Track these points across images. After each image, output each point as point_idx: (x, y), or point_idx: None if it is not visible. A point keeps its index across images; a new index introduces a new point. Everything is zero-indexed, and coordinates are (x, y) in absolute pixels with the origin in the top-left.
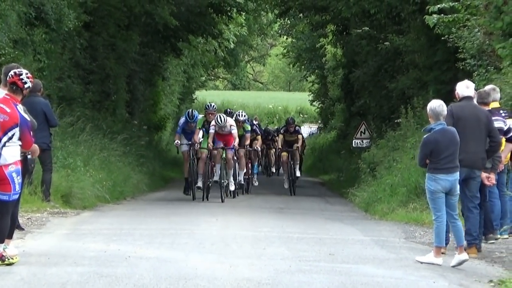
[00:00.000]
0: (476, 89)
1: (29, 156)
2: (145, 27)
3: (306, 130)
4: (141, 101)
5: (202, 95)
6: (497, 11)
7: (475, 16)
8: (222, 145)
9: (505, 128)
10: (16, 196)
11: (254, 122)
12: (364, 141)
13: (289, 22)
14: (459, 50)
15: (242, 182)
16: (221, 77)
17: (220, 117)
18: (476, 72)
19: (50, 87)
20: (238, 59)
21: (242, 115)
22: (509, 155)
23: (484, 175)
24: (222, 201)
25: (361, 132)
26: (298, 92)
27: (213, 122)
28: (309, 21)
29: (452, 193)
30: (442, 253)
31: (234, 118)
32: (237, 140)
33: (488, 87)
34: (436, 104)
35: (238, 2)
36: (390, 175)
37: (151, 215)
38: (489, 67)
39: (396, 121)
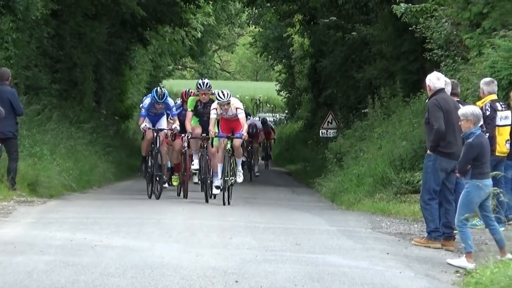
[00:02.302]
0: None
1: None
2: (112, 16)
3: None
4: (108, 90)
5: (169, 84)
6: (464, 2)
7: (442, 6)
8: (226, 140)
9: None
10: None
11: None
12: (331, 131)
13: (257, 11)
14: (427, 41)
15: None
16: (188, 66)
17: (222, 92)
18: (443, 63)
19: (17, 75)
20: (205, 48)
21: (225, 92)
22: None
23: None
24: (228, 203)
25: (328, 122)
26: (265, 81)
27: (214, 105)
28: (276, 11)
29: (488, 198)
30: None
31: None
32: (245, 127)
33: (487, 79)
34: (476, 109)
35: None
36: (357, 165)
37: (117, 204)
38: (456, 58)
39: (363, 111)
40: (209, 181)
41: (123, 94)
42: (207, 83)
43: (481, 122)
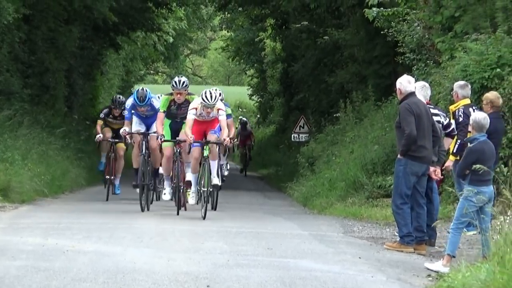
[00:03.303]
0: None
1: None
2: (84, 21)
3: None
4: (80, 95)
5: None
6: (436, 5)
7: (414, 10)
8: (200, 149)
9: (445, 122)
10: None
11: None
12: (303, 135)
13: (229, 15)
14: (399, 44)
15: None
16: (160, 71)
17: (210, 93)
18: (415, 66)
19: None
20: (177, 52)
21: (216, 92)
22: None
23: (431, 169)
24: (204, 217)
25: (300, 126)
26: (237, 86)
27: (194, 104)
28: (248, 15)
29: (488, 204)
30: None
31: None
32: (226, 131)
33: (417, 85)
34: (481, 116)
35: None
36: (329, 170)
37: (89, 209)
38: (428, 61)
39: (335, 115)
40: (182, 190)
41: (95, 99)
42: (183, 82)
43: (485, 129)
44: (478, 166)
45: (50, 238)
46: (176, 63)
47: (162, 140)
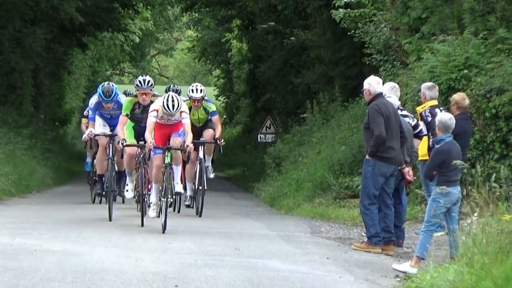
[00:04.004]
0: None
1: None
2: (51, 22)
3: None
4: (47, 95)
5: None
6: (403, 6)
7: (381, 11)
8: (163, 156)
9: (413, 124)
10: None
11: None
12: (269, 136)
13: (196, 15)
14: (366, 45)
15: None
16: (126, 71)
17: (172, 99)
18: (382, 68)
19: None
20: (144, 53)
21: (198, 89)
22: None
23: (406, 169)
24: (164, 231)
25: (266, 127)
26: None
27: (155, 106)
28: (214, 15)
29: (456, 205)
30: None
31: (186, 95)
32: (190, 135)
33: (387, 86)
34: (447, 117)
35: None
36: (296, 170)
37: (57, 208)
38: (395, 62)
39: (301, 116)
40: (146, 199)
41: (61, 99)
42: (148, 81)
43: (451, 130)
44: (459, 162)
45: (17, 237)
46: (143, 63)
47: (124, 144)
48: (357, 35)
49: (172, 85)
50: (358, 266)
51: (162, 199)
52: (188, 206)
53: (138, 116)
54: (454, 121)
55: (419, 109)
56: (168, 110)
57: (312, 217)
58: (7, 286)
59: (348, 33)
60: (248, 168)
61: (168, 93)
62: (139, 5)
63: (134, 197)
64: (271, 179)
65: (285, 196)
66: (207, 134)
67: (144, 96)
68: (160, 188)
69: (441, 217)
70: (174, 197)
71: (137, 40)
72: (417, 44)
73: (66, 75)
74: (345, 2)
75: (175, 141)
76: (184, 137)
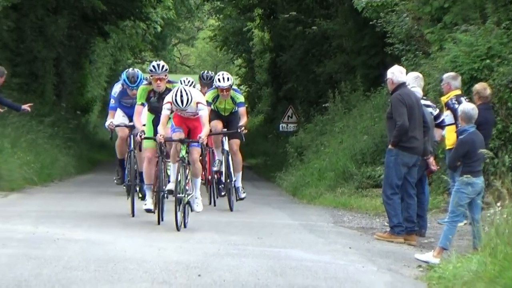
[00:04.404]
0: None
1: None
2: (73, 10)
3: None
4: (69, 84)
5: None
6: None
7: (403, 0)
8: (183, 135)
9: (435, 113)
10: None
11: None
12: (291, 125)
13: (218, 4)
14: (387, 35)
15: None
16: (147, 60)
17: (181, 93)
18: (404, 57)
19: None
20: (165, 42)
21: (225, 78)
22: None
23: (431, 160)
24: (178, 229)
25: (288, 116)
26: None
27: (169, 98)
28: (236, 5)
29: (479, 195)
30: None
31: (212, 85)
32: (206, 127)
33: (411, 75)
34: (470, 107)
35: None
36: (318, 160)
37: (79, 197)
38: (417, 52)
39: (323, 105)
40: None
41: (83, 87)
42: (163, 66)
43: (474, 120)
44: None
45: (40, 226)
46: (164, 52)
47: (142, 136)
48: (379, 24)
49: (205, 72)
50: (380, 256)
51: (179, 195)
52: (216, 172)
53: (155, 105)
54: (477, 111)
55: (443, 99)
56: (178, 106)
57: (335, 206)
58: (31, 274)
59: (370, 23)
60: (270, 157)
61: (178, 86)
62: None
63: (153, 211)
64: (293, 168)
65: (307, 186)
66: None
67: (158, 81)
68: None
69: (465, 208)
70: (190, 210)
71: (159, 29)
72: (439, 34)
73: (88, 64)
74: None
75: (193, 151)
76: (198, 147)
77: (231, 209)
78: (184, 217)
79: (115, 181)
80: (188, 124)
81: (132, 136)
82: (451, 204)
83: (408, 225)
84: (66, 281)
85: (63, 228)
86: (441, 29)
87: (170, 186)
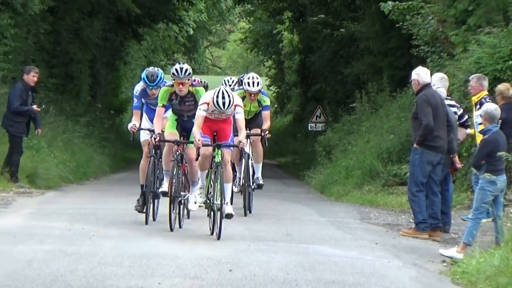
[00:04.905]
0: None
1: None
2: (107, 13)
3: None
4: (103, 84)
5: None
6: None
7: (429, 3)
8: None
9: (459, 113)
10: None
11: None
12: (320, 125)
13: (248, 7)
14: (413, 37)
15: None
16: (180, 62)
17: (223, 95)
18: (429, 59)
19: (15, 70)
20: (197, 44)
21: (255, 83)
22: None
23: (456, 158)
24: (219, 237)
25: (316, 116)
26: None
27: (206, 98)
28: (266, 8)
29: (502, 192)
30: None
31: (240, 87)
32: (243, 131)
33: (436, 76)
34: (493, 108)
35: None
36: (345, 158)
37: (113, 195)
38: (442, 54)
39: (351, 105)
40: (184, 201)
41: (117, 88)
42: (186, 69)
43: (497, 120)
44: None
45: (76, 223)
46: (196, 55)
47: (157, 140)
48: (405, 27)
49: (229, 78)
50: (406, 251)
51: (215, 202)
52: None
53: (176, 107)
54: (499, 111)
55: (474, 99)
56: (219, 108)
57: (361, 203)
58: (67, 270)
59: (396, 25)
60: (298, 156)
61: (219, 87)
62: None
63: (166, 193)
64: (321, 166)
65: (335, 183)
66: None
67: (181, 86)
68: (210, 190)
69: (488, 205)
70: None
71: (191, 31)
72: (463, 36)
73: (122, 65)
74: None
75: (224, 153)
76: (232, 149)
77: (245, 214)
78: (220, 225)
79: (136, 208)
80: (214, 128)
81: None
82: (475, 201)
83: (432, 221)
84: (101, 276)
85: (98, 225)
86: (465, 31)
87: (201, 197)
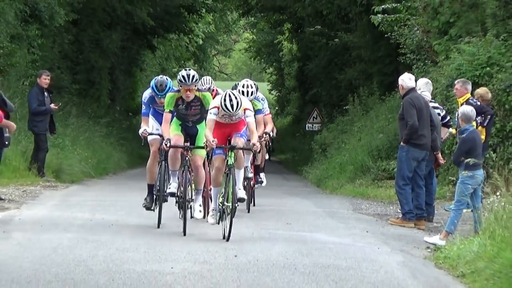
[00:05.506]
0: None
1: (6, 134)
2: (125, 25)
3: None
4: (122, 89)
5: (174, 85)
6: (434, 12)
7: (414, 16)
8: (223, 156)
9: (442, 114)
10: None
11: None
12: (316, 125)
13: (252, 19)
14: (400, 46)
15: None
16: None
17: (230, 98)
18: (415, 65)
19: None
20: (206, 53)
21: (249, 92)
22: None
23: (439, 155)
24: (227, 239)
25: (313, 117)
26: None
27: (215, 102)
28: (268, 20)
29: (480, 185)
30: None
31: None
32: (255, 134)
33: (422, 81)
34: (469, 109)
35: (207, 3)
36: (339, 155)
37: (130, 188)
38: (426, 61)
39: (344, 108)
40: (189, 206)
41: (134, 93)
42: (193, 76)
43: (473, 120)
44: (471, 160)
45: (97, 213)
46: (205, 63)
47: (168, 146)
48: (393, 37)
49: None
50: (394, 238)
51: (226, 203)
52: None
53: (182, 113)
54: (475, 113)
55: (460, 100)
56: (228, 111)
57: (354, 196)
58: (89, 255)
59: (385, 35)
60: (297, 153)
61: (226, 91)
62: (202, 10)
63: (177, 194)
64: (317, 162)
65: (330, 178)
66: (237, 141)
67: (188, 92)
68: (222, 191)
69: (469, 197)
70: (237, 203)
71: (200, 42)
72: (445, 45)
73: (138, 72)
74: (383, 8)
75: (237, 141)
76: (245, 138)
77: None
78: (230, 228)
79: (144, 205)
80: (227, 133)
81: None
82: (457, 194)
83: (417, 211)
84: (119, 261)
85: (117, 215)
86: (447, 41)
87: (212, 218)
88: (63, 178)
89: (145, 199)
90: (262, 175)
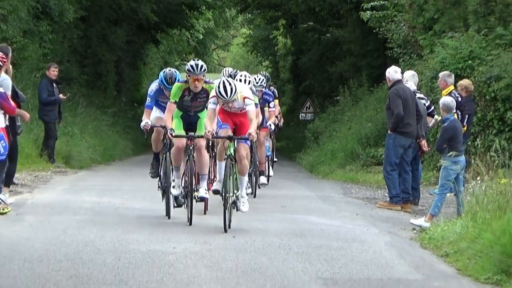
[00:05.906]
0: (401, 73)
1: (18, 123)
2: (130, 21)
3: None
4: (127, 81)
5: (182, 77)
6: (419, 9)
7: (401, 12)
8: (230, 132)
9: (427, 104)
10: (3, 157)
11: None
12: (309, 115)
13: (249, 16)
14: (388, 41)
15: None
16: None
17: (223, 84)
18: (401, 59)
19: None
20: (206, 47)
21: (246, 81)
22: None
23: (423, 142)
24: (226, 230)
25: (306, 107)
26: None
27: (213, 92)
28: (264, 16)
29: (462, 171)
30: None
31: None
32: (254, 123)
33: (408, 73)
34: (449, 100)
35: (207, 1)
36: (330, 143)
37: (135, 174)
38: (412, 55)
39: (335, 98)
40: (194, 195)
41: (139, 84)
42: (201, 66)
43: (453, 110)
44: (453, 153)
45: (104, 197)
46: (206, 56)
47: (173, 135)
48: (381, 32)
49: (228, 70)
50: (382, 221)
51: (228, 194)
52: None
53: (187, 104)
54: (455, 103)
55: (444, 93)
56: (223, 97)
57: (344, 181)
58: (96, 236)
59: (374, 31)
60: (291, 141)
61: (221, 79)
62: (202, 7)
63: (181, 194)
64: (310, 150)
65: (322, 164)
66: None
67: (196, 82)
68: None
69: (452, 182)
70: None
71: (201, 36)
72: (430, 40)
73: (142, 65)
74: (372, 5)
75: (240, 149)
76: (249, 143)
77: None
78: (229, 219)
79: (150, 174)
80: (235, 120)
81: (165, 137)
82: (440, 178)
83: (404, 195)
84: (125, 242)
85: (123, 199)
86: (432, 36)
87: (217, 186)
88: (72, 164)
89: (152, 165)
90: (262, 178)
